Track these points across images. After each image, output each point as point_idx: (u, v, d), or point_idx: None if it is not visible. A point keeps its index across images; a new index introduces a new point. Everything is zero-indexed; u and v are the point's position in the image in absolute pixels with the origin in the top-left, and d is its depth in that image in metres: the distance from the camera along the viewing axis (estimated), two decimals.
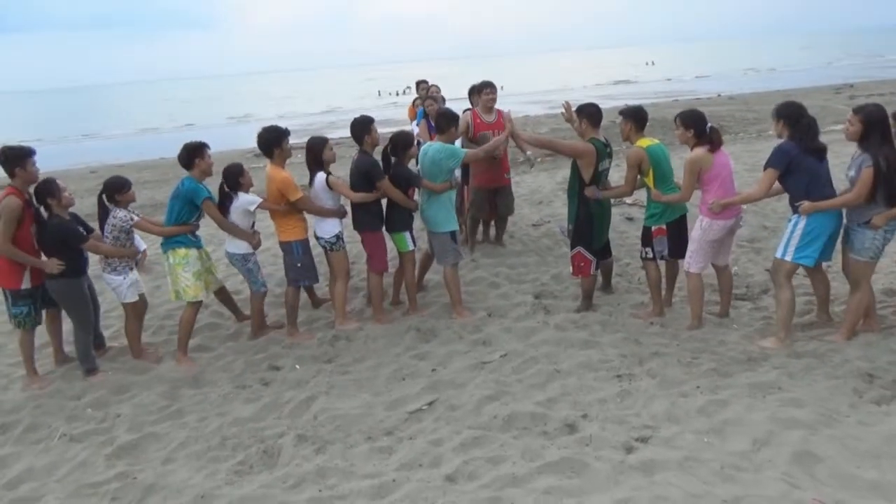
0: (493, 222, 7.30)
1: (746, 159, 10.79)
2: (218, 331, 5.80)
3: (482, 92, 6.57)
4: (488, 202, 6.92)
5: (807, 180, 4.39)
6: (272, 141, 5.27)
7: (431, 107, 7.14)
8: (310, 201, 5.39)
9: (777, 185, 4.54)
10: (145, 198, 12.31)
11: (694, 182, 4.81)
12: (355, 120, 5.53)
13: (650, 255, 5.19)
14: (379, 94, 46.68)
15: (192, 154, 5.10)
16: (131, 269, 5.18)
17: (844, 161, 4.78)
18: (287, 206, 5.28)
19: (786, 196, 4.64)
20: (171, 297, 5.32)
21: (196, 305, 5.25)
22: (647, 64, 66.33)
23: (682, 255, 5.30)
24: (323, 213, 5.41)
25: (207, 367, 5.13)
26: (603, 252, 5.57)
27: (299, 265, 5.41)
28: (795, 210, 4.48)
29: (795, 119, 4.46)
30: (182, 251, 5.11)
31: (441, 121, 5.52)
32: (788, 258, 4.51)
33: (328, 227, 5.44)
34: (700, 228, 4.87)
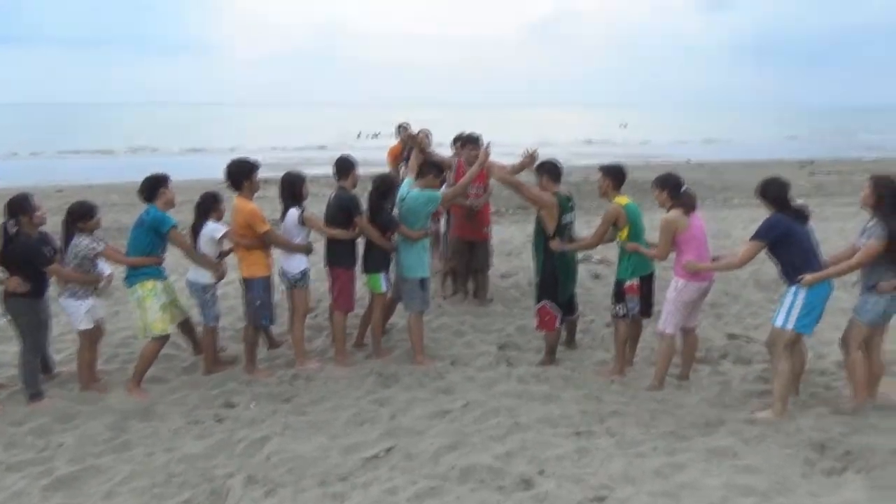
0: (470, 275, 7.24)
1: (712, 226, 11.05)
2: (174, 362, 5.64)
3: (466, 147, 6.71)
4: (465, 254, 6.94)
5: (800, 251, 4.41)
6: (242, 173, 5.24)
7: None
8: (277, 235, 5.36)
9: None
10: (111, 220, 12.06)
11: (670, 242, 4.88)
12: (342, 157, 5.63)
13: (622, 311, 5.22)
14: (359, 136, 47.00)
15: (156, 185, 5.06)
16: (90, 295, 5.05)
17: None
18: (252, 240, 5.23)
19: (750, 263, 4.73)
20: (138, 333, 5.18)
21: (161, 340, 5.11)
22: (621, 126, 68.03)
23: (649, 315, 5.37)
24: (290, 247, 5.37)
25: (159, 399, 4.97)
26: (568, 307, 5.62)
27: (258, 303, 5.31)
28: (790, 280, 4.46)
29: (780, 198, 4.51)
30: (150, 283, 5.00)
31: (423, 167, 5.60)
32: (790, 327, 4.45)
33: (295, 263, 5.40)
34: (675, 289, 4.93)
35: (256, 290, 5.30)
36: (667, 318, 5.00)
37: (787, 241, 4.44)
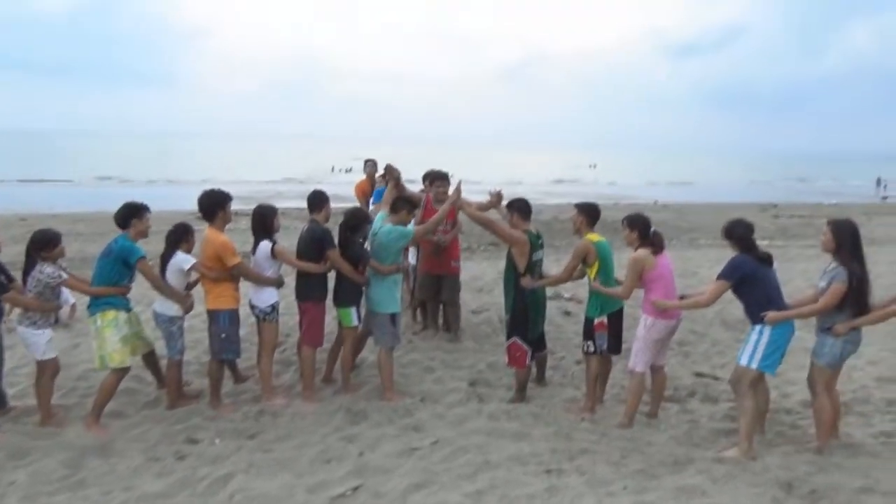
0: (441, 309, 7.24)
1: (679, 265, 11.25)
2: (135, 396, 5.48)
3: (434, 183, 6.77)
4: (433, 288, 6.97)
5: (764, 291, 4.50)
6: (216, 204, 5.19)
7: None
8: (247, 268, 5.30)
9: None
10: (75, 250, 11.80)
11: (636, 280, 4.94)
12: (315, 191, 5.61)
13: (591, 348, 5.25)
14: (333, 170, 47.09)
15: (131, 214, 4.98)
16: (50, 324, 4.91)
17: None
18: (219, 272, 5.15)
19: (716, 303, 4.80)
20: (95, 364, 5.03)
21: (120, 373, 4.96)
22: (590, 167, 69.47)
23: (618, 351, 5.41)
24: (261, 280, 5.31)
25: (119, 435, 4.80)
26: (538, 343, 5.63)
27: (223, 336, 5.20)
28: (755, 320, 4.52)
29: (745, 239, 4.61)
30: (111, 314, 4.88)
31: (397, 202, 5.61)
32: (755, 366, 4.50)
33: (265, 297, 5.33)
34: (644, 327, 4.97)
35: (221, 323, 5.20)
36: (637, 355, 5.03)
37: (752, 281, 4.53)
